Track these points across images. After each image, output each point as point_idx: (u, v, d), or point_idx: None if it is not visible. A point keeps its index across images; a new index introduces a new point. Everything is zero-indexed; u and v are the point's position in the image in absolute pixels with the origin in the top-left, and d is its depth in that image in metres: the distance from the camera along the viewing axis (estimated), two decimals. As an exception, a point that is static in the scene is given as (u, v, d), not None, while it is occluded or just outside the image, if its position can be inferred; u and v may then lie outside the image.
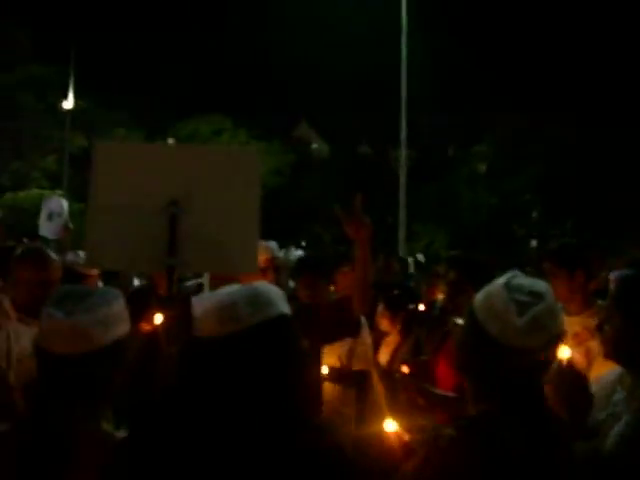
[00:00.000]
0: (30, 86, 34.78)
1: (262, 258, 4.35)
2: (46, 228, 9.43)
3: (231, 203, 3.83)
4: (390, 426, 2.67)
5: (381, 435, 2.69)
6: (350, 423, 4.97)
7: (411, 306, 6.99)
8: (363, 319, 5.55)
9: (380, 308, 6.53)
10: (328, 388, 4.99)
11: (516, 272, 2.36)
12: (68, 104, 31.62)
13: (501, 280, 2.29)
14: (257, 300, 2.13)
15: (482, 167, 32.64)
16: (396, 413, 3.23)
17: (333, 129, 41.48)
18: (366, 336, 5.52)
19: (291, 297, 5.49)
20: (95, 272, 5.91)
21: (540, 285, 2.31)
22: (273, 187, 34.83)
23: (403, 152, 23.33)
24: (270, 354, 2.12)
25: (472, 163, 32.51)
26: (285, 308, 2.20)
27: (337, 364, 5.21)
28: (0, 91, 35.12)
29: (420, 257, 24.15)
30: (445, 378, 4.34)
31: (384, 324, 6.49)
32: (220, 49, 38.73)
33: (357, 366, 5.41)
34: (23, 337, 3.94)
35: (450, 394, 3.94)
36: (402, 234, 23.11)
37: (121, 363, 2.63)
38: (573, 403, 2.68)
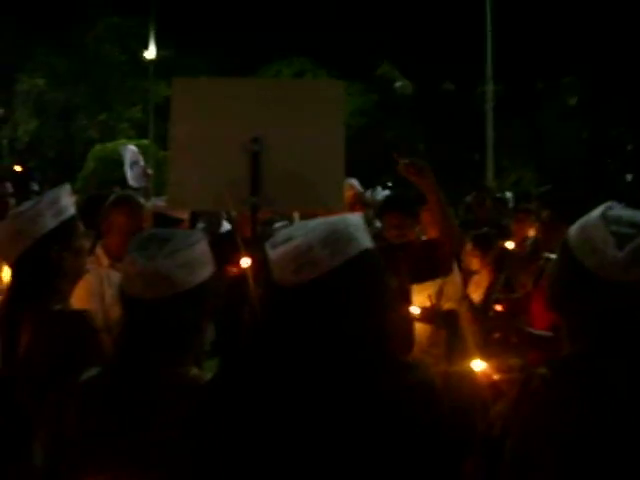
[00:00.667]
0: (112, 38, 35.21)
1: (348, 194, 4.25)
2: (131, 177, 9.56)
3: (315, 138, 3.72)
4: (478, 365, 2.59)
5: (470, 374, 2.60)
6: (440, 363, 4.88)
7: (502, 244, 6.83)
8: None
9: (469, 247, 6.39)
10: (419, 328, 4.91)
11: (613, 203, 2.19)
12: (150, 54, 31.90)
13: (597, 211, 2.13)
14: (335, 239, 2.03)
15: (572, 100, 31.60)
16: (489, 353, 3.14)
17: (416, 67, 40.80)
18: (456, 275, 5.40)
19: (377, 236, 5.48)
20: (185, 216, 5.90)
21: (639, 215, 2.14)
22: (357, 127, 34.65)
23: (490, 87, 22.75)
24: (355, 295, 2.02)
25: (561, 96, 31.52)
26: (367, 242, 2.10)
27: (427, 303, 5.10)
28: (84, 44, 35.72)
29: (508, 195, 23.76)
30: (540, 316, 4.20)
31: (474, 263, 6.35)
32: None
33: (447, 305, 5.31)
34: (115, 282, 4.00)
35: (545, 333, 3.79)
36: (490, 172, 22.69)
37: (206, 307, 2.58)
38: None
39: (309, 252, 1.99)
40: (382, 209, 5.62)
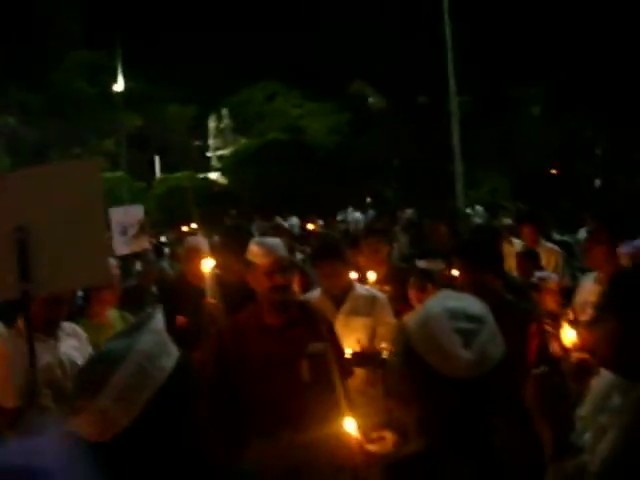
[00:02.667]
0: (82, 73, 35.23)
1: (265, 261, 4.21)
2: (122, 242, 8.50)
3: (76, 218, 3.82)
4: (349, 425, 2.57)
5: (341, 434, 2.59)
6: (376, 402, 4.86)
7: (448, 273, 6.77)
8: (383, 297, 5.46)
9: (412, 280, 6.33)
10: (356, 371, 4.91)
11: (447, 292, 2.18)
12: (119, 86, 31.98)
13: (437, 305, 2.10)
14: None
15: (536, 110, 31.79)
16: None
17: (389, 82, 40.89)
18: (387, 315, 5.38)
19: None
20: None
21: (475, 306, 2.12)
22: (332, 146, 34.70)
23: (454, 100, 22.86)
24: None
25: (528, 105, 31.69)
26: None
27: (356, 347, 5.09)
28: (54, 80, 35.69)
29: (479, 208, 23.77)
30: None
31: (414, 299, 6.30)
32: (264, 15, 38.43)
33: (382, 346, 5.29)
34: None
35: None
36: (459, 183, 22.72)
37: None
38: (551, 420, 2.47)
39: None
40: (314, 257, 5.65)
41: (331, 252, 5.37)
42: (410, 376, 2.10)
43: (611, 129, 28.57)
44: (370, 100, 45.17)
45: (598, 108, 28.31)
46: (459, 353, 1.98)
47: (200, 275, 5.39)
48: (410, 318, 2.17)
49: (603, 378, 2.74)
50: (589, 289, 5.50)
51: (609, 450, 2.36)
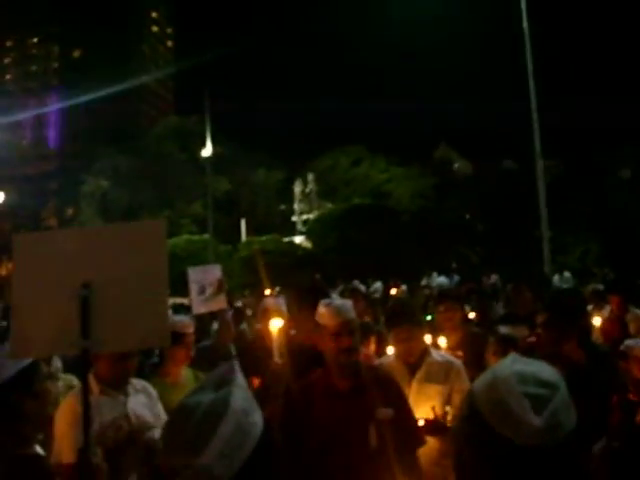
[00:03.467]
0: (172, 138, 36.29)
1: (331, 323, 4.13)
2: (199, 303, 8.26)
3: (140, 278, 3.79)
4: None
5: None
6: (450, 475, 4.66)
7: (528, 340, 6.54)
8: (459, 364, 5.28)
9: (492, 347, 6.14)
10: (429, 440, 4.72)
11: (516, 356, 2.05)
12: (207, 151, 32.72)
13: (506, 369, 1.98)
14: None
15: (626, 173, 31.17)
16: None
17: (474, 147, 40.97)
18: (463, 382, 5.19)
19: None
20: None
21: (548, 372, 1.99)
22: (416, 210, 34.71)
23: (538, 162, 22.53)
24: None
25: (617, 168, 31.13)
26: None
27: (431, 415, 4.91)
28: (146, 144, 36.84)
29: (567, 275, 23.20)
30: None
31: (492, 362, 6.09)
32: (349, 82, 39.09)
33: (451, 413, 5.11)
34: (105, 410, 4.20)
35: None
36: (546, 249, 22.21)
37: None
38: None
39: None
40: (389, 322, 5.53)
41: (405, 317, 5.24)
42: (475, 442, 1.98)
43: None
44: (455, 165, 45.22)
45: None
46: (529, 419, 1.85)
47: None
48: (478, 381, 2.06)
49: None
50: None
51: None
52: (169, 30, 62.43)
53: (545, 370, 1.98)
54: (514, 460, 1.89)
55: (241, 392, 1.94)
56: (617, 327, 6.94)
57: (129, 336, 3.82)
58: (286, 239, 36.21)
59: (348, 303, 4.34)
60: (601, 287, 10.78)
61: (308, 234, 37.12)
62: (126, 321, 3.73)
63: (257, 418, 1.93)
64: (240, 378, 1.98)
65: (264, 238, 34.21)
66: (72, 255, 3.82)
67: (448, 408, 4.89)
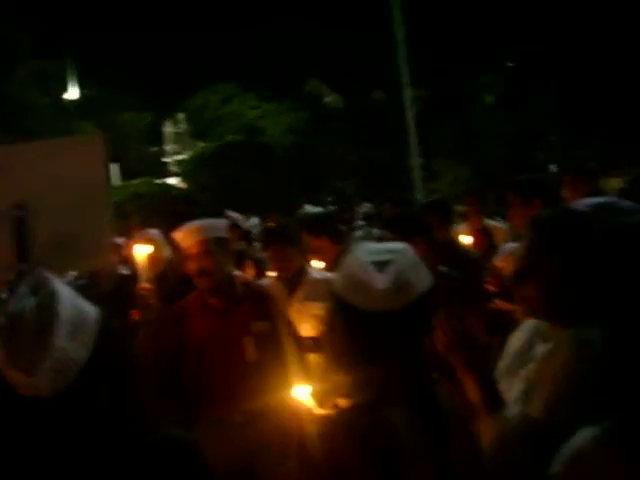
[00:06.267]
0: (33, 83, 34.82)
1: (191, 241, 4.12)
2: None
3: (79, 196, 3.64)
4: (301, 392, 2.49)
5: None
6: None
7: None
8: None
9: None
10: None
11: (364, 242, 2.16)
12: (71, 94, 31.62)
13: (356, 248, 2.08)
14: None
15: (490, 99, 32.03)
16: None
17: (344, 80, 40.98)
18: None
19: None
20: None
21: (396, 244, 2.10)
22: (290, 146, 34.69)
23: (408, 93, 22.91)
24: None
25: (481, 94, 31.94)
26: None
27: (312, 333, 5.03)
28: (5, 91, 35.23)
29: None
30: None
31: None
32: (214, 17, 38.37)
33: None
34: None
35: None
36: (417, 176, 22.75)
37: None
38: (476, 368, 2.39)
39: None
40: (264, 242, 5.60)
41: (279, 236, 5.33)
42: (339, 324, 2.06)
43: (566, 117, 28.87)
44: (326, 99, 45.25)
45: (553, 96, 28.63)
46: (374, 281, 1.94)
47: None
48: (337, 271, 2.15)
49: (523, 332, 2.71)
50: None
51: (551, 392, 2.32)
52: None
53: (393, 243, 2.08)
54: (369, 328, 1.97)
55: (61, 287, 1.88)
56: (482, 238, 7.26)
57: (70, 258, 3.63)
58: (160, 181, 35.62)
59: (211, 223, 4.32)
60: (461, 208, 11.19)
61: (182, 175, 36.64)
62: (67, 242, 3.54)
63: (87, 305, 1.90)
64: (55, 280, 1.93)
65: (137, 181, 33.54)
66: (2, 175, 3.58)
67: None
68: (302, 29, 38.10)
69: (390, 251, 2.03)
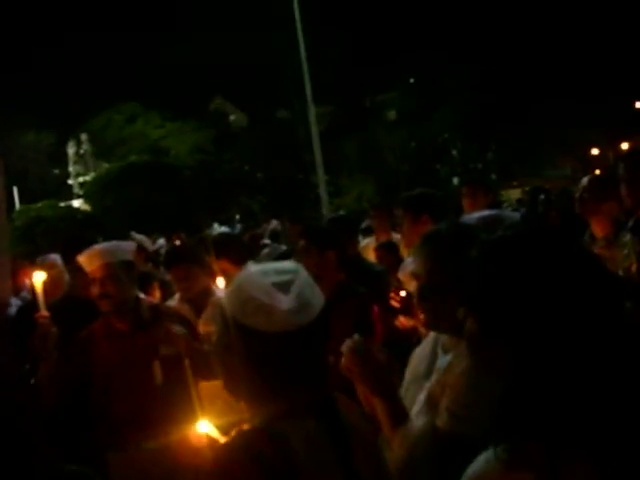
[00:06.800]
0: None
1: (91, 268, 4.06)
2: None
3: None
4: (204, 427, 2.46)
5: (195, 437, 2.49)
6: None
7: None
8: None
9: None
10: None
11: (251, 264, 2.18)
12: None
13: (246, 271, 2.07)
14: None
15: (391, 114, 32.64)
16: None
17: (249, 98, 41.02)
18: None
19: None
20: None
21: (286, 263, 2.12)
22: (196, 165, 34.48)
23: (311, 110, 23.09)
24: None
25: (383, 110, 32.50)
26: None
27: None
28: None
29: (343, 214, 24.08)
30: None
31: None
32: (116, 36, 37.95)
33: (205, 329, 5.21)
34: None
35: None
36: (323, 192, 22.98)
37: None
38: (378, 385, 2.48)
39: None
40: (166, 262, 5.53)
41: (180, 256, 5.28)
42: (237, 347, 2.04)
43: (465, 130, 29.58)
44: (231, 117, 45.24)
45: (453, 109, 29.33)
46: (278, 303, 1.93)
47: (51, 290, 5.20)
48: (224, 296, 2.13)
49: (425, 345, 2.80)
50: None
51: (453, 401, 2.39)
52: None
53: (282, 263, 2.10)
54: (273, 350, 1.97)
55: None
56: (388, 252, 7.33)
57: None
58: (63, 204, 34.86)
59: (115, 246, 4.27)
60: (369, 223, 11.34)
61: (86, 196, 35.95)
62: None
63: None
64: None
65: (40, 204, 32.75)
66: None
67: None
68: (205, 46, 37.97)
69: (287, 271, 2.03)
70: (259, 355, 2.01)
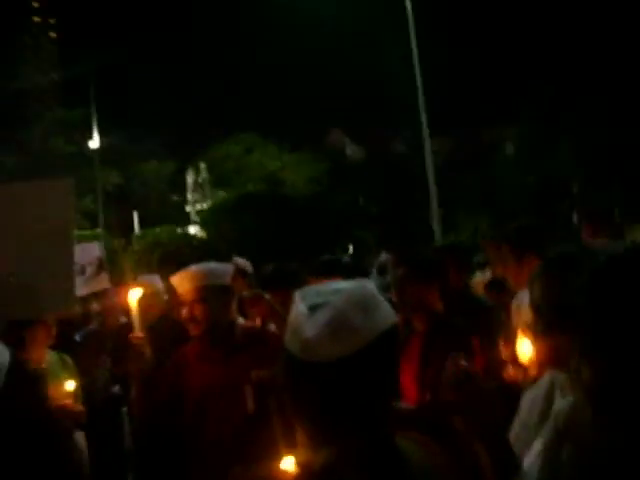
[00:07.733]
0: (57, 131, 35.25)
1: (183, 289, 3.98)
2: (80, 283, 7.95)
3: (44, 240, 3.50)
4: (287, 464, 2.26)
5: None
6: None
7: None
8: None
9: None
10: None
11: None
12: (94, 143, 31.86)
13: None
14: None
15: (509, 149, 32.03)
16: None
17: (366, 131, 41.19)
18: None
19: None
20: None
21: (341, 283, 1.77)
22: (310, 196, 34.73)
23: (427, 144, 22.84)
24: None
25: (501, 145, 31.97)
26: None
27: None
28: (31, 139, 35.66)
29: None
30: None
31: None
32: (238, 69, 38.84)
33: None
34: None
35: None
36: (437, 227, 22.66)
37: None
38: (482, 427, 2.12)
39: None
40: (266, 285, 5.41)
41: (283, 280, 5.14)
42: (287, 377, 1.80)
43: (587, 166, 28.74)
44: (348, 150, 45.47)
45: (573, 145, 28.56)
46: (303, 329, 1.64)
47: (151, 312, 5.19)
48: None
49: (536, 389, 2.52)
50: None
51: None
52: (52, 20, 60.40)
53: (338, 283, 1.78)
54: (308, 379, 1.70)
55: None
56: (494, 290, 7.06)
57: (32, 303, 3.49)
58: (180, 229, 35.72)
59: (210, 269, 4.15)
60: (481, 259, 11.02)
61: (202, 224, 36.71)
62: (29, 286, 3.42)
63: None
64: None
65: (158, 230, 33.65)
66: None
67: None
68: (324, 78, 38.44)
69: (327, 293, 1.71)
70: (299, 386, 1.76)
